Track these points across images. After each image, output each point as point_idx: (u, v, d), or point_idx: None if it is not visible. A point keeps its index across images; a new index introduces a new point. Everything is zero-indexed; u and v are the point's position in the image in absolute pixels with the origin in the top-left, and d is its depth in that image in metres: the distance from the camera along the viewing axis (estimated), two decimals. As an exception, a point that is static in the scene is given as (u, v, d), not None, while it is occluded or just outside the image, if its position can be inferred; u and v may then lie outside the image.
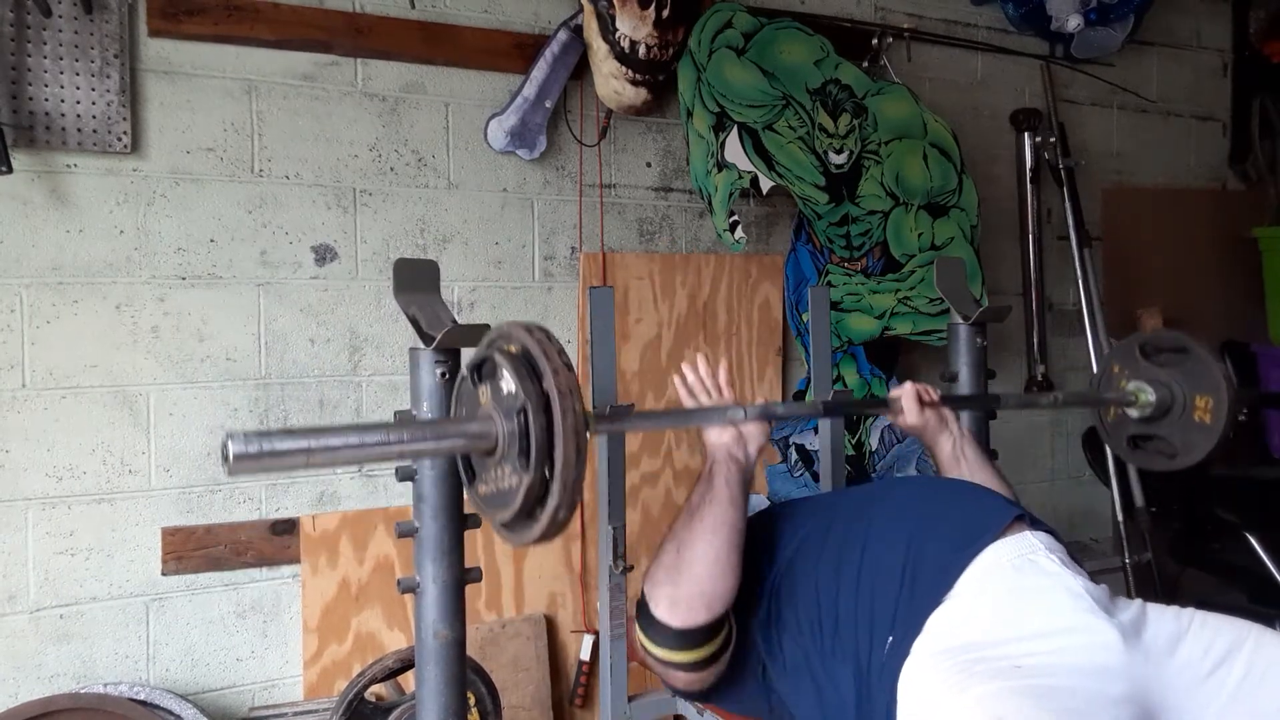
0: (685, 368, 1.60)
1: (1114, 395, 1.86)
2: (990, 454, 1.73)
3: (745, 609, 1.49)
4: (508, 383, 1.01)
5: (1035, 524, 1.38)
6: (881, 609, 1.31)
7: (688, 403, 1.58)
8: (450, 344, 1.24)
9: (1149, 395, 1.80)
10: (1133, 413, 1.83)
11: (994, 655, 1.18)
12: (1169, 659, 1.23)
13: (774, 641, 1.44)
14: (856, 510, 1.51)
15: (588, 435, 1.05)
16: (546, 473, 0.98)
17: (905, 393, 1.61)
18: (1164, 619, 1.28)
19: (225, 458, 0.90)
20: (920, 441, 1.69)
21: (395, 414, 1.28)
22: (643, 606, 1.38)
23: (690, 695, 1.56)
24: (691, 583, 1.33)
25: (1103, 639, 1.20)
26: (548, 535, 1.00)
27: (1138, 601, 1.32)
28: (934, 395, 1.63)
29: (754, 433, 1.49)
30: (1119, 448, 1.92)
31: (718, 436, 1.47)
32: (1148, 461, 1.91)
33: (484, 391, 1.07)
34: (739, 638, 1.50)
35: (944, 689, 1.16)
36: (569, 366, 0.98)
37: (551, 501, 0.97)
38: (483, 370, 1.08)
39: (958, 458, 1.62)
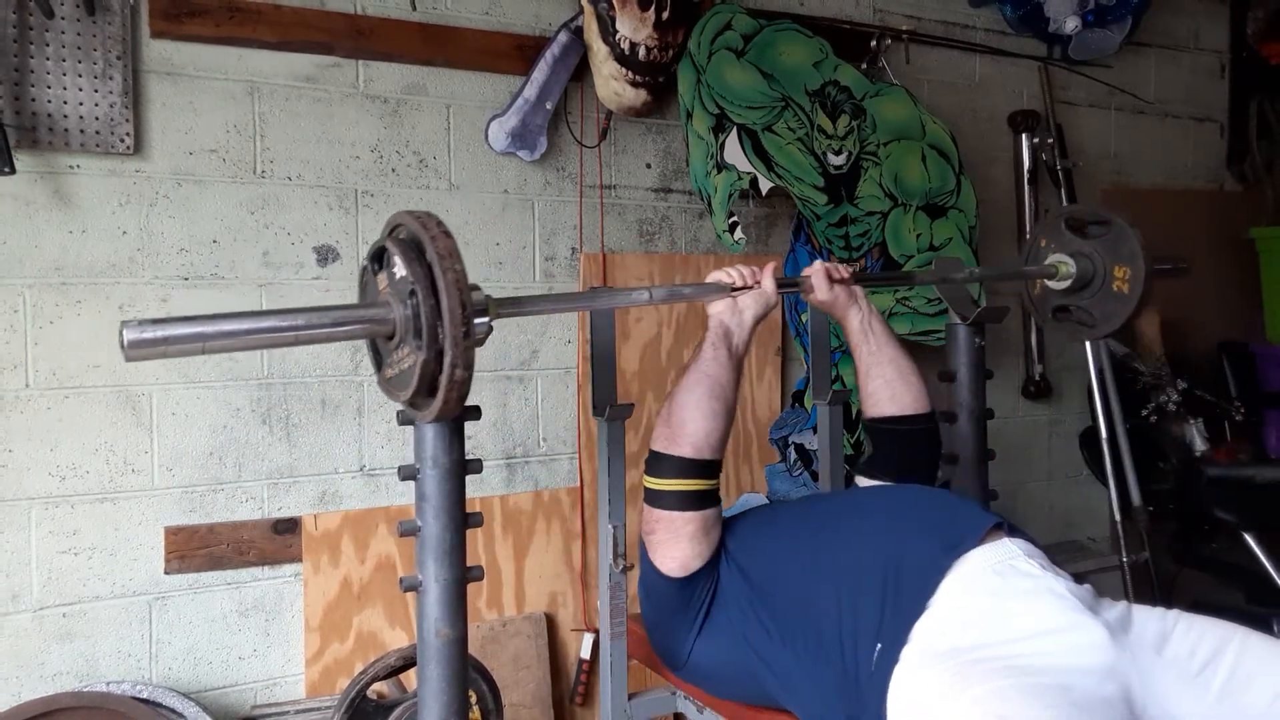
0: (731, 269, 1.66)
1: (1035, 268, 1.89)
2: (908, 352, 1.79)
3: (728, 610, 1.50)
4: (399, 268, 1.07)
5: (1013, 531, 1.39)
6: (866, 617, 1.31)
7: (724, 280, 1.63)
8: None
9: (1070, 267, 1.83)
10: (1055, 285, 1.87)
11: (986, 657, 1.18)
12: (1156, 658, 1.24)
13: (755, 648, 1.45)
14: (836, 516, 1.53)
15: (488, 319, 1.15)
16: (441, 345, 1.03)
17: (815, 270, 1.70)
18: (1149, 619, 1.29)
19: (121, 345, 0.93)
20: (830, 316, 1.78)
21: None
22: (649, 454, 1.54)
23: (680, 629, 1.56)
24: (679, 425, 1.50)
25: (1091, 638, 1.21)
26: (448, 403, 1.05)
27: (1123, 602, 1.33)
28: (843, 273, 1.71)
29: (749, 303, 1.58)
30: (1043, 321, 1.97)
31: (714, 306, 1.60)
32: (1070, 333, 1.96)
33: (383, 279, 1.13)
34: (730, 635, 1.50)
35: (939, 693, 1.16)
36: (447, 234, 1.05)
37: (446, 364, 1.03)
38: (382, 259, 1.13)
39: (865, 332, 1.72)
